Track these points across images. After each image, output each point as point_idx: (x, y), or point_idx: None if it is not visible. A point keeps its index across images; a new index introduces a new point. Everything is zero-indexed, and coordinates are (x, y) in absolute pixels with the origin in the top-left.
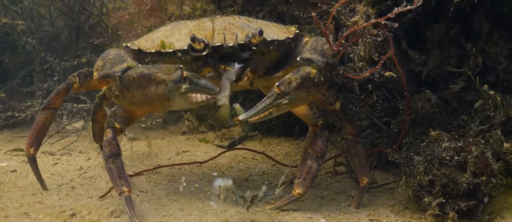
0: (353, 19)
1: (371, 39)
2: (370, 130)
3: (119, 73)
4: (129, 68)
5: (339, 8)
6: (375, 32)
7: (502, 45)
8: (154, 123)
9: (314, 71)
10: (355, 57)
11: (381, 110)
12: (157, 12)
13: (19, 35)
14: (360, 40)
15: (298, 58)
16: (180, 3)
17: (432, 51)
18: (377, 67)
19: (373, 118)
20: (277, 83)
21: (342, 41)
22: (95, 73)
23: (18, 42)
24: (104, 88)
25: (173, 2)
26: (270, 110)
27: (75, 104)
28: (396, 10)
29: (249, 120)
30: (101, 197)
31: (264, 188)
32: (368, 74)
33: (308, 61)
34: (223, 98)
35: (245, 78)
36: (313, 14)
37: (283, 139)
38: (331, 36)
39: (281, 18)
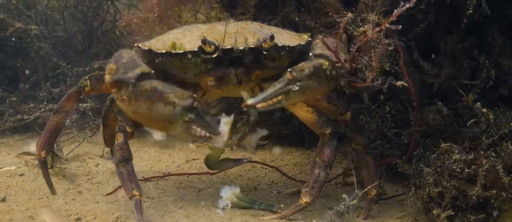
0: (361, 29)
1: (382, 49)
2: (380, 141)
3: (133, 80)
4: (142, 74)
5: (350, 20)
6: (386, 41)
7: None
8: None
9: (326, 63)
10: (364, 67)
11: (392, 121)
12: (167, 19)
13: (32, 40)
14: (372, 51)
15: (310, 54)
16: (195, 12)
17: (445, 63)
18: (374, 72)
19: (384, 128)
20: (289, 70)
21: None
22: (107, 76)
23: (31, 47)
24: (114, 90)
25: (188, 10)
26: (279, 97)
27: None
28: (396, 12)
29: (258, 106)
30: (107, 194)
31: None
32: (370, 80)
33: (320, 56)
34: (221, 142)
35: (253, 78)
36: (320, 36)
37: (293, 148)
38: (343, 45)
39: (293, 27)
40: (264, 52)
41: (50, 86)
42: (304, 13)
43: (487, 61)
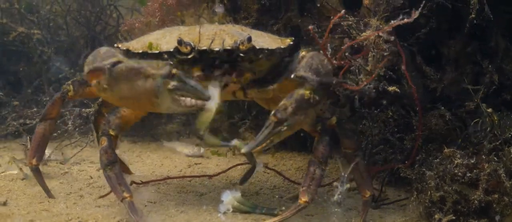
0: (364, 34)
1: (378, 54)
2: (383, 145)
3: (108, 66)
4: (119, 62)
5: (353, 24)
6: (384, 46)
7: None
8: None
9: (307, 92)
10: (357, 70)
11: (395, 126)
12: (169, 23)
13: (35, 44)
14: (369, 55)
15: (292, 76)
16: (198, 16)
17: (448, 68)
18: (372, 77)
19: (386, 133)
20: (273, 112)
21: (346, 54)
22: (85, 68)
23: (34, 51)
24: (94, 82)
25: (191, 15)
26: (271, 138)
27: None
28: (392, 23)
29: (253, 151)
30: (101, 196)
31: None
32: (365, 84)
33: (302, 79)
34: (212, 104)
35: (232, 84)
36: (310, 27)
37: (296, 153)
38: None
39: (296, 31)
40: (241, 54)
41: (53, 91)
42: (306, 18)
43: (490, 66)
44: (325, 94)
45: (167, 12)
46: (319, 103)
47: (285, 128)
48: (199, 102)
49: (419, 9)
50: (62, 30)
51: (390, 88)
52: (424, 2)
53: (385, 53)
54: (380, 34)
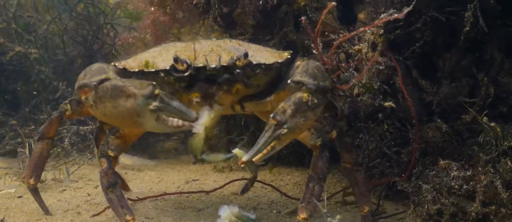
0: (357, 47)
1: (374, 67)
2: (380, 159)
3: (94, 83)
4: (106, 79)
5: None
6: (378, 60)
7: None
8: None
9: (305, 95)
10: (352, 81)
11: (391, 139)
12: (164, 40)
13: (33, 63)
14: (365, 71)
15: (289, 81)
16: (195, 34)
17: (444, 81)
18: (361, 74)
19: (383, 147)
20: (271, 115)
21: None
22: (76, 84)
23: (32, 70)
24: (83, 98)
25: (188, 33)
26: (272, 144)
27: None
28: (383, 17)
29: (254, 159)
30: (94, 215)
31: None
32: (354, 82)
33: (299, 84)
34: (199, 127)
35: (232, 96)
36: (302, 18)
37: (293, 168)
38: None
39: (292, 46)
40: (238, 70)
41: (50, 110)
42: (302, 33)
43: (486, 78)
44: (323, 98)
45: (162, 30)
46: (318, 107)
47: (285, 130)
48: (186, 123)
49: (410, 6)
50: (60, 49)
51: (386, 104)
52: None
53: (381, 67)
54: (369, 29)
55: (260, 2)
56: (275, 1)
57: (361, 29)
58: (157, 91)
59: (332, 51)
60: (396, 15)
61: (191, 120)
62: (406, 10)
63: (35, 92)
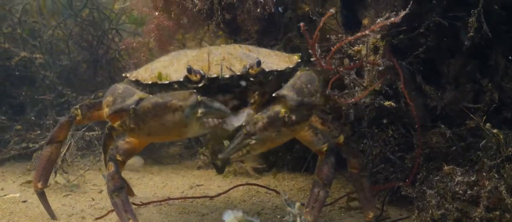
0: (356, 48)
1: (373, 69)
2: (384, 164)
3: (133, 106)
4: (141, 99)
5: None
6: (377, 61)
7: None
8: None
9: (283, 110)
10: (351, 84)
11: (395, 145)
12: (168, 46)
13: (38, 68)
14: (366, 72)
15: (274, 94)
16: (199, 40)
17: (448, 87)
18: (367, 92)
19: (387, 152)
20: (243, 122)
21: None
22: (106, 109)
23: (37, 75)
24: (117, 123)
25: (193, 39)
26: (244, 150)
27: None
28: (379, 21)
29: (231, 157)
30: (97, 219)
31: None
32: (357, 99)
33: (282, 98)
34: (235, 124)
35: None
36: (301, 23)
37: (298, 174)
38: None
39: (296, 51)
40: (251, 79)
41: (55, 115)
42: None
43: (490, 84)
44: (306, 115)
45: (166, 33)
46: (298, 124)
47: (253, 141)
48: (221, 120)
49: (406, 9)
50: (65, 54)
51: (386, 103)
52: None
53: (380, 68)
54: (368, 32)
55: (258, 10)
56: (272, 9)
57: (359, 34)
58: (199, 97)
59: (330, 56)
60: (392, 19)
61: (227, 115)
62: (402, 13)
63: (43, 97)
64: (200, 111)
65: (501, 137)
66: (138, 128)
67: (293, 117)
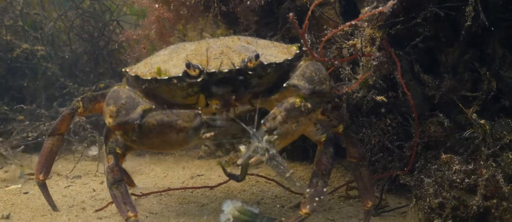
0: (350, 42)
1: (368, 63)
2: (382, 153)
3: (138, 121)
4: (144, 112)
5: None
6: (372, 54)
7: None
8: None
9: (298, 100)
10: (346, 78)
11: (394, 134)
12: (168, 37)
13: (39, 60)
14: (361, 65)
15: (284, 84)
16: (200, 30)
17: (446, 76)
18: (355, 85)
19: (385, 141)
20: (262, 121)
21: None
22: (109, 120)
23: (39, 67)
24: (120, 133)
25: (194, 29)
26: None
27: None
28: (366, 10)
29: (251, 161)
30: (97, 210)
31: None
32: (348, 90)
33: (293, 88)
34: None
35: (245, 97)
36: (290, 14)
37: (297, 163)
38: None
39: (295, 42)
40: (250, 72)
41: (57, 106)
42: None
43: (488, 73)
44: (318, 102)
45: (166, 25)
46: (313, 112)
47: (276, 136)
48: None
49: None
50: (66, 46)
51: (378, 98)
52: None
53: (374, 63)
54: (356, 23)
55: (248, 3)
56: (263, 1)
57: (348, 23)
58: (204, 118)
59: (322, 46)
60: (380, 8)
61: (233, 124)
62: (389, 3)
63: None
64: (203, 131)
65: (487, 128)
66: (140, 142)
67: (309, 105)
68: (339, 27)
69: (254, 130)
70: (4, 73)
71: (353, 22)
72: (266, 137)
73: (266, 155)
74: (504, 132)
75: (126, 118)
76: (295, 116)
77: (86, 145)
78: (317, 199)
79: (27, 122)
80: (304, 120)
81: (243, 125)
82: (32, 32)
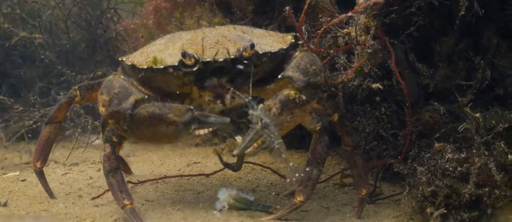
0: (345, 30)
1: (363, 51)
2: (377, 142)
3: (129, 111)
4: (136, 102)
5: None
6: (367, 42)
7: (511, 58)
8: None
9: (292, 92)
10: (342, 68)
11: (388, 122)
12: (166, 26)
13: (37, 48)
14: (356, 54)
15: (279, 76)
16: (197, 18)
17: (441, 65)
18: (350, 73)
19: (380, 129)
20: (257, 112)
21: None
22: (102, 109)
23: (36, 55)
24: (112, 122)
25: (191, 17)
26: (261, 139)
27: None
28: (362, 1)
29: (246, 152)
30: (93, 198)
31: None
32: (343, 79)
33: (288, 79)
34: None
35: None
36: (286, 8)
37: (293, 151)
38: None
39: (290, 31)
40: (245, 61)
41: (55, 94)
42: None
43: (482, 62)
44: (313, 94)
45: (163, 14)
46: (308, 104)
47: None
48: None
49: None
50: (64, 34)
51: (374, 85)
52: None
53: (369, 51)
54: (351, 14)
55: None
56: None
57: (343, 15)
58: (195, 114)
59: (318, 38)
60: None
61: (223, 123)
62: None
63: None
64: (193, 127)
65: (481, 120)
66: (130, 131)
67: (303, 97)
68: (335, 19)
69: (250, 98)
70: (2, 61)
71: (349, 14)
72: (261, 106)
73: (260, 123)
74: (493, 121)
75: (118, 107)
76: (290, 107)
77: (79, 131)
78: (312, 187)
79: (20, 108)
80: (299, 111)
81: (239, 93)
82: (30, 20)
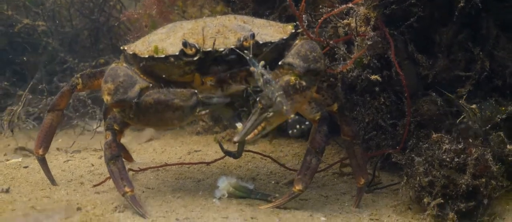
0: (345, 21)
1: (363, 42)
2: (376, 131)
3: (135, 100)
4: (142, 90)
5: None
6: (366, 34)
7: (510, 50)
8: None
9: (293, 78)
10: (342, 59)
11: (387, 112)
12: (168, 15)
13: (40, 36)
14: (355, 44)
15: (280, 63)
16: (200, 7)
17: (440, 55)
18: (349, 64)
19: (379, 119)
20: (258, 98)
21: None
22: (107, 97)
23: (39, 42)
24: (118, 110)
25: (193, 5)
26: (262, 125)
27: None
28: None
29: (247, 138)
30: (95, 185)
31: None
32: (343, 69)
33: (288, 66)
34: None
35: (241, 75)
36: None
37: (293, 139)
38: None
39: (291, 21)
40: (246, 51)
41: (57, 81)
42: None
43: (481, 53)
44: (313, 80)
45: (166, 4)
46: (308, 90)
47: (271, 114)
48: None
49: None
50: (67, 21)
51: (372, 77)
52: None
53: (369, 42)
54: (352, 5)
55: None
56: None
57: (344, 6)
58: (199, 97)
59: (318, 28)
60: None
61: (225, 102)
62: None
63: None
64: (198, 110)
65: (477, 112)
66: (137, 119)
67: (304, 83)
68: (335, 10)
69: (251, 55)
70: (5, 48)
71: (349, 5)
72: (262, 62)
73: (261, 79)
74: (488, 113)
75: (124, 96)
76: (290, 93)
77: (87, 120)
78: (310, 176)
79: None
80: (299, 97)
81: (240, 53)
82: (33, 7)
